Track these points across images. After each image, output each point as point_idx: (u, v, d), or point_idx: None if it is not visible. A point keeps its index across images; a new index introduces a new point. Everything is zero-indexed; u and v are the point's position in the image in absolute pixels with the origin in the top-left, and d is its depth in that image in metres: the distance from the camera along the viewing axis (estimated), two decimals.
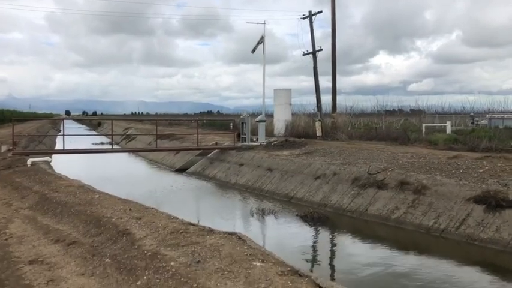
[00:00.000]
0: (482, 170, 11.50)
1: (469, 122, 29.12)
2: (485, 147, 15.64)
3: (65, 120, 49.04)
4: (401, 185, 11.78)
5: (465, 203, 10.12)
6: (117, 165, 23.81)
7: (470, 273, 7.97)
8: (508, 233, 8.88)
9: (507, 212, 9.32)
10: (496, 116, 29.02)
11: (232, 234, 6.32)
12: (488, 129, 23.01)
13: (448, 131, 22.46)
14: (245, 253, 5.37)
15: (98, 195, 9.41)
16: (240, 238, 6.07)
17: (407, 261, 8.58)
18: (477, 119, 29.80)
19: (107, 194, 9.89)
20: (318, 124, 22.48)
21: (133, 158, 28.07)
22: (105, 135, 42.72)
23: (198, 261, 5.14)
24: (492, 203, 9.63)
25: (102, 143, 34.12)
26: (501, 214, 9.34)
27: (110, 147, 24.43)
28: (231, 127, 23.78)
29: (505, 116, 28.70)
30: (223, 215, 12.76)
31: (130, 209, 7.91)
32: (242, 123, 21.77)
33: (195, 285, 4.51)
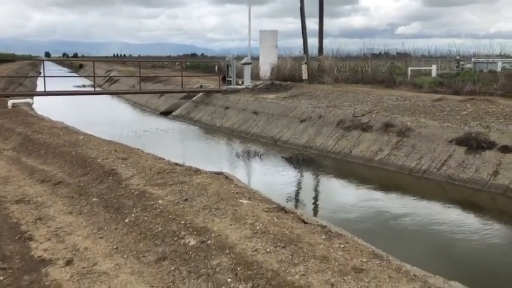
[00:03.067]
0: (465, 113, 11.64)
1: (455, 66, 29.06)
2: (469, 91, 15.74)
3: (45, 62, 47.64)
4: (386, 127, 11.90)
5: (447, 145, 10.32)
6: (101, 108, 23.49)
7: (450, 211, 8.26)
8: (486, 173, 9.15)
9: (487, 153, 9.55)
10: (481, 60, 28.97)
11: (219, 173, 6.38)
12: (473, 72, 23.04)
13: (434, 74, 22.44)
14: (232, 191, 5.45)
15: (82, 137, 9.33)
16: (226, 177, 6.13)
17: (390, 201, 8.84)
18: (462, 62, 29.73)
19: (92, 135, 9.81)
20: (304, 67, 22.21)
21: (117, 101, 27.69)
22: (88, 77, 41.81)
23: (186, 199, 5.21)
24: (473, 144, 9.83)
25: (84, 86, 33.44)
26: (481, 155, 9.57)
27: (92, 89, 23.96)
28: (216, 70, 23.43)
29: (490, 60, 28.70)
30: (210, 157, 12.83)
31: (115, 150, 7.88)
32: (227, 65, 21.40)
33: (182, 222, 4.59)
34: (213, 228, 4.38)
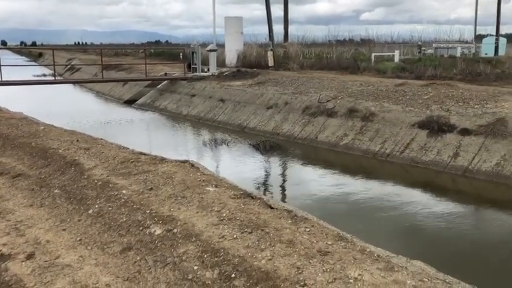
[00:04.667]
0: (427, 97, 11.93)
1: (416, 51, 29.71)
2: (430, 75, 16.15)
3: (0, 51, 45.80)
4: (350, 112, 12.07)
5: (410, 128, 10.57)
6: (62, 98, 22.80)
7: (412, 193, 8.49)
8: (447, 155, 9.44)
9: (448, 135, 9.85)
10: (442, 45, 29.73)
11: (184, 162, 6.31)
12: (434, 58, 23.63)
13: (396, 59, 22.88)
14: (198, 179, 5.41)
15: (42, 127, 9.04)
16: (192, 165, 6.08)
17: (355, 185, 9.00)
18: (424, 48, 30.42)
19: (53, 125, 9.52)
20: (270, 54, 22.19)
21: (79, 90, 26.94)
22: (47, 66, 40.42)
23: (151, 189, 5.14)
24: (435, 127, 10.11)
25: (44, 75, 32.31)
26: (442, 138, 9.86)
27: (53, 79, 23.19)
28: (180, 57, 23.05)
29: (450, 45, 29.48)
30: (176, 145, 12.70)
31: (77, 140, 7.68)
32: (192, 52, 21.12)
33: (148, 211, 4.53)
34: (179, 217, 4.34)
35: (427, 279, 3.28)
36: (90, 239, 4.27)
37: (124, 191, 5.12)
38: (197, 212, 4.43)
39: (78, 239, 4.31)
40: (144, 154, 6.80)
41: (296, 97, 14.08)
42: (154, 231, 4.15)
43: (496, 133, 9.34)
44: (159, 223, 4.27)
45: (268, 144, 11.60)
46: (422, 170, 9.48)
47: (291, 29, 25.15)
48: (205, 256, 3.63)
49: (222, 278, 3.35)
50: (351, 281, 3.18)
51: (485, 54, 26.77)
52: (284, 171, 10.54)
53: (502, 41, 29.37)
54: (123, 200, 4.89)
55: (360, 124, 11.53)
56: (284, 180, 9.87)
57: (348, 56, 24.30)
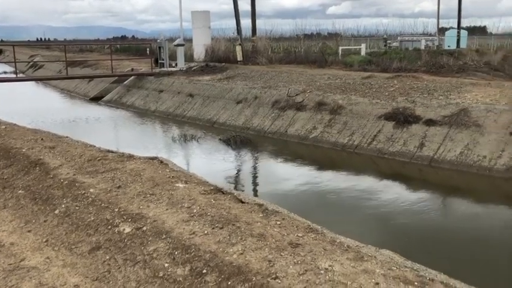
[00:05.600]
0: (392, 89, 12.16)
1: (382, 45, 30.22)
2: (396, 68, 16.45)
3: None
4: (319, 105, 12.19)
5: (377, 120, 10.76)
6: (25, 96, 22.07)
7: (380, 184, 8.65)
8: (413, 146, 9.67)
9: (413, 126, 10.08)
10: (407, 38, 30.36)
11: (153, 158, 6.23)
12: (399, 50, 24.09)
13: (363, 53, 23.19)
14: (167, 176, 5.35)
15: (4, 126, 8.74)
16: (161, 162, 6.01)
17: (324, 177, 9.10)
18: (389, 41, 30.98)
19: (15, 124, 9.22)
20: (238, 48, 22.11)
21: (43, 88, 26.15)
22: (8, 63, 39.04)
23: (119, 187, 5.05)
24: (401, 119, 10.33)
25: (5, 72, 31.22)
26: (408, 129, 10.09)
27: (14, 76, 22.42)
28: (147, 52, 22.69)
29: (415, 38, 30.14)
30: (144, 142, 12.51)
31: (42, 139, 7.46)
32: (159, 48, 20.85)
33: (116, 210, 4.45)
34: (149, 214, 4.28)
35: (395, 268, 3.35)
36: (57, 240, 4.17)
37: (91, 190, 5.01)
38: (167, 209, 4.38)
39: (44, 240, 4.20)
40: (112, 152, 6.68)
41: (265, 91, 14.10)
42: (124, 229, 4.09)
43: (459, 123, 9.62)
44: (128, 221, 4.20)
45: (239, 139, 11.58)
46: (389, 161, 9.68)
47: (259, 23, 25.14)
48: (176, 253, 3.60)
49: (193, 274, 3.33)
50: (322, 272, 3.22)
51: (448, 46, 27.49)
52: (255, 165, 10.55)
53: (463, 33, 30.22)
54: (90, 199, 4.79)
55: (329, 117, 11.66)
56: (255, 175, 9.89)
57: (315, 50, 24.46)
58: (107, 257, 3.76)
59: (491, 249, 5.87)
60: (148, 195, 4.75)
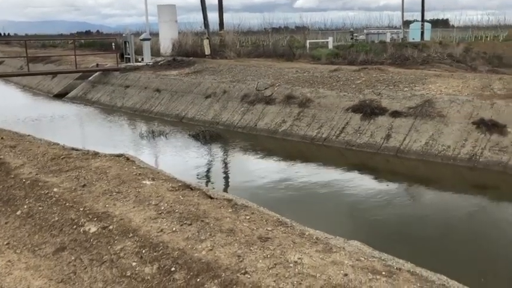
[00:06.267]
0: (359, 81, 12.32)
1: (349, 38, 30.60)
2: (362, 60, 16.67)
3: None
4: (288, 99, 12.22)
5: (344, 113, 10.88)
6: None
7: (348, 175, 8.75)
8: (380, 137, 9.83)
9: (380, 118, 10.24)
10: (373, 31, 30.84)
11: (119, 156, 6.11)
12: (365, 43, 24.44)
13: (330, 46, 23.41)
14: (134, 173, 5.25)
15: None
16: (128, 159, 5.90)
17: (294, 170, 9.15)
18: (356, 34, 31.41)
19: None
20: (206, 42, 21.91)
21: (3, 85, 25.25)
22: None
23: (84, 185, 4.92)
24: (368, 111, 10.48)
25: None
26: (375, 121, 10.24)
27: None
28: (113, 47, 22.20)
29: (380, 31, 30.64)
30: (111, 139, 12.27)
31: (2, 138, 7.20)
32: (125, 42, 20.43)
33: (81, 209, 4.33)
34: (115, 213, 4.19)
35: (363, 258, 3.39)
36: (19, 242, 4.02)
37: (55, 189, 4.86)
38: (134, 207, 4.30)
39: (5, 242, 4.04)
40: (76, 149, 6.51)
41: (234, 85, 14.03)
42: (89, 229, 3.98)
43: (424, 114, 9.84)
44: (94, 220, 4.10)
45: (208, 134, 11.50)
46: (357, 153, 9.81)
47: (226, 16, 25.00)
48: (143, 251, 3.53)
49: (161, 273, 3.28)
50: (291, 265, 3.22)
51: (413, 39, 28.08)
52: (224, 160, 10.51)
53: (427, 26, 30.94)
54: (54, 199, 4.65)
55: (297, 110, 11.71)
56: (225, 170, 9.85)
57: (283, 44, 24.52)
58: (72, 258, 3.65)
59: (456, 236, 6.04)
60: (114, 193, 4.64)
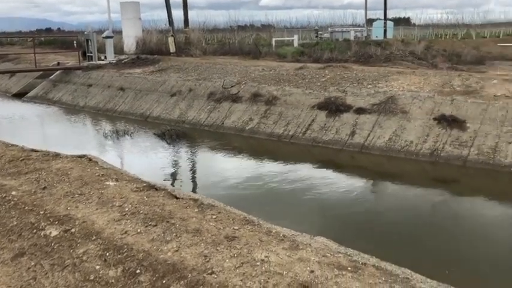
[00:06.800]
0: (324, 79, 12.45)
1: (314, 36, 30.91)
2: (327, 58, 16.87)
3: None
4: (254, 97, 12.23)
5: (310, 110, 10.97)
6: None
7: (314, 171, 8.84)
8: (345, 134, 9.97)
9: (345, 115, 10.39)
10: (337, 29, 31.28)
11: (81, 156, 5.95)
12: (330, 41, 24.74)
13: (295, 44, 23.58)
14: (97, 174, 5.12)
15: None
16: (90, 160, 5.75)
17: (261, 168, 9.16)
18: (321, 32, 31.76)
19: None
20: (170, 40, 21.64)
21: None
22: None
23: (44, 188, 4.76)
24: (333, 108, 10.61)
25: None
26: (340, 117, 10.38)
27: None
28: (74, 45, 21.63)
29: (344, 29, 31.11)
30: (73, 140, 11.94)
31: None
32: (87, 40, 19.94)
33: (42, 213, 4.19)
34: (77, 215, 4.07)
35: (329, 254, 3.42)
36: None
37: (13, 193, 4.68)
38: (97, 209, 4.19)
39: None
40: (36, 151, 6.29)
41: (200, 83, 13.92)
42: (50, 232, 3.86)
43: (387, 110, 10.05)
44: (55, 224, 3.97)
45: (174, 133, 11.36)
46: (323, 149, 9.92)
47: (191, 14, 24.80)
48: (107, 254, 3.45)
49: (126, 275, 3.21)
50: (258, 263, 3.22)
51: (376, 37, 28.64)
52: (191, 159, 10.41)
53: (390, 24, 31.60)
54: (12, 203, 4.47)
55: (264, 108, 11.74)
56: (191, 169, 9.75)
57: (249, 42, 24.54)
58: (32, 263, 3.52)
59: (419, 229, 6.19)
60: (76, 196, 4.51)
